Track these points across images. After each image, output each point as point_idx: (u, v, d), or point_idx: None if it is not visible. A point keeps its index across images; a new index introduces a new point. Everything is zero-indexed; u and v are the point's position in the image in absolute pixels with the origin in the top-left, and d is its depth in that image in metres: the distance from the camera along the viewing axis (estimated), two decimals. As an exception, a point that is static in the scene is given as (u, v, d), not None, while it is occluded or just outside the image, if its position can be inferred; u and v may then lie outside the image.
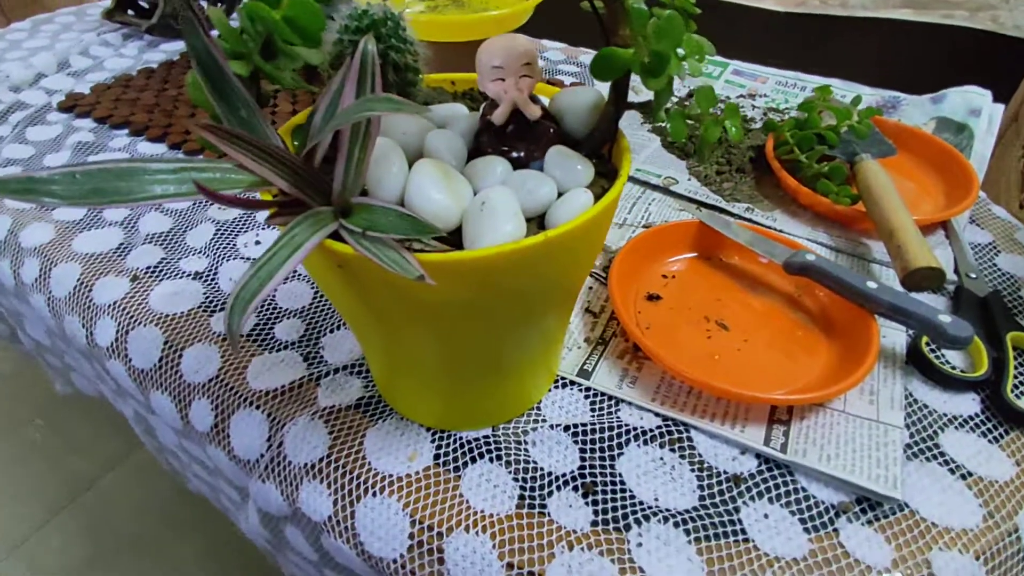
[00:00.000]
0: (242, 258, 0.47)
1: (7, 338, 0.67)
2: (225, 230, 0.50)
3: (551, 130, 0.29)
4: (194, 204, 0.53)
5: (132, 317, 0.42)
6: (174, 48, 0.82)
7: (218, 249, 0.48)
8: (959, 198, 0.51)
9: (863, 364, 0.36)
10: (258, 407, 0.37)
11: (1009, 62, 1.29)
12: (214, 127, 0.21)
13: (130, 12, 0.87)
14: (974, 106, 0.62)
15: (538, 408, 0.37)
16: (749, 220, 0.51)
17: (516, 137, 0.29)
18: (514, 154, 0.29)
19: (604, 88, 0.29)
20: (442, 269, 0.23)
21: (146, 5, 0.87)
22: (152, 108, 0.66)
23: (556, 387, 0.38)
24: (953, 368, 0.39)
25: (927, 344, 0.40)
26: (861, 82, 1.00)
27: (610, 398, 0.37)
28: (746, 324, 0.42)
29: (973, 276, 0.45)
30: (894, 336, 0.41)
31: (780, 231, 0.50)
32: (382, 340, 0.31)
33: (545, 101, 0.32)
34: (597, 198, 0.27)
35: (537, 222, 0.27)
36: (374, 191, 0.26)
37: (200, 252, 0.48)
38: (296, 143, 0.30)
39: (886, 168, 0.51)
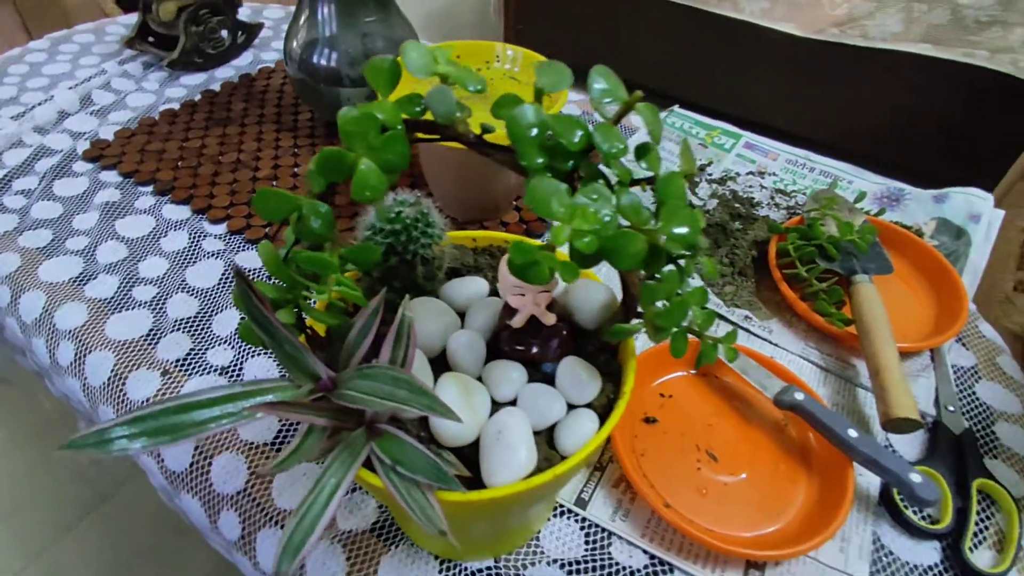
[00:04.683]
0: (268, 353, 0.50)
1: (31, 370, 0.70)
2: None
3: (563, 332, 0.32)
4: (219, 285, 0.55)
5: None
6: (195, 83, 0.83)
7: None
8: (949, 322, 0.53)
9: (837, 516, 0.39)
10: (282, 526, 0.40)
11: (1025, 109, 1.29)
12: (271, 406, 0.23)
13: (150, 39, 0.87)
14: (975, 211, 0.63)
15: (538, 539, 0.40)
16: (746, 330, 0.54)
17: (532, 336, 0.31)
18: (529, 352, 0.31)
19: (617, 283, 0.31)
20: (461, 506, 0.26)
21: (164, 32, 0.87)
22: (176, 163, 0.68)
23: (555, 515, 0.41)
24: (920, 517, 0.42)
25: (898, 492, 0.43)
26: (874, 117, 1.03)
27: (603, 531, 0.41)
28: (735, 454, 0.45)
29: (952, 409, 0.48)
30: (871, 476, 0.44)
31: (775, 344, 0.53)
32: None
33: (562, 285, 0.35)
34: (600, 413, 0.29)
35: (546, 435, 0.30)
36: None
37: (226, 342, 0.51)
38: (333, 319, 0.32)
39: (882, 278, 0.54)
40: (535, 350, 0.31)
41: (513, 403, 0.30)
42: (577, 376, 0.30)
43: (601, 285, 0.33)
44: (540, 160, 0.23)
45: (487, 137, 0.25)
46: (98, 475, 0.98)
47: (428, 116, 0.23)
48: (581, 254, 0.21)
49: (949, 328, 0.52)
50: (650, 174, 0.24)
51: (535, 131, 0.22)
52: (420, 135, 0.26)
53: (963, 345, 0.55)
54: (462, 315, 0.34)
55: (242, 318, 0.48)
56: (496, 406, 0.30)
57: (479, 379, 0.31)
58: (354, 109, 0.21)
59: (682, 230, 0.22)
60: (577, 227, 0.20)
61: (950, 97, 1.39)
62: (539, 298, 0.30)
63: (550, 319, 0.31)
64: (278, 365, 0.49)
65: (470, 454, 0.28)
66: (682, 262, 0.25)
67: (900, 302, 0.56)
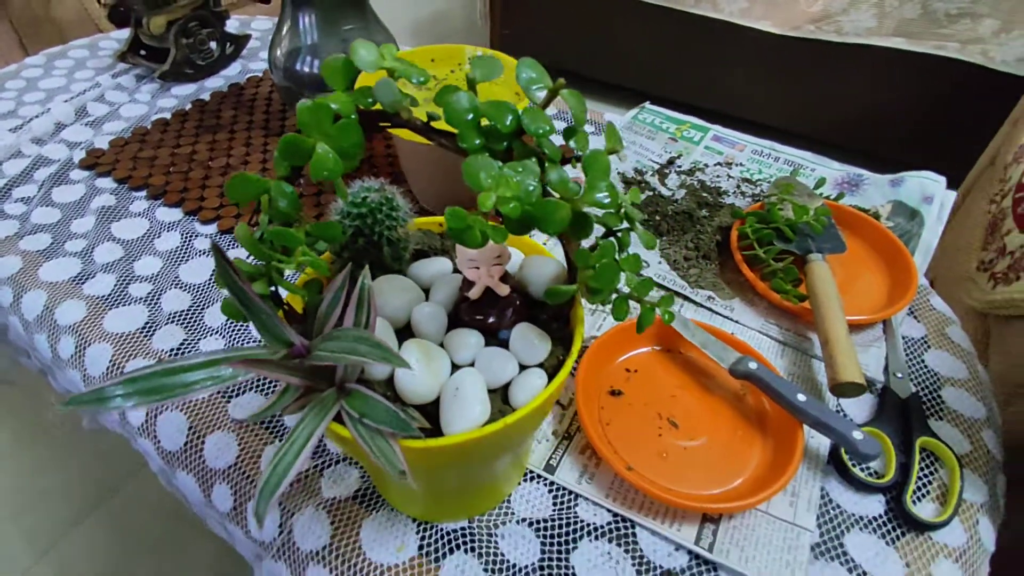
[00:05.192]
0: (258, 341, 0.53)
1: (35, 369, 0.73)
2: (238, 309, 0.56)
3: (517, 302, 0.35)
4: (211, 280, 0.59)
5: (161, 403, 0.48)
6: (185, 93, 0.86)
7: (233, 331, 0.54)
8: (899, 295, 0.56)
9: (786, 472, 0.42)
10: (271, 496, 0.43)
11: (996, 97, 1.33)
12: (249, 361, 0.26)
13: (142, 52, 0.91)
14: (928, 192, 0.67)
15: (508, 501, 0.43)
16: (709, 309, 0.57)
17: (488, 306, 0.35)
18: (486, 321, 0.34)
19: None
20: (421, 453, 0.29)
21: (155, 45, 0.90)
22: (168, 168, 0.71)
23: (525, 480, 0.44)
24: (867, 472, 0.45)
25: (845, 451, 0.46)
26: (851, 110, 1.07)
27: (570, 493, 0.44)
28: (694, 422, 0.48)
29: (900, 376, 0.51)
30: (821, 439, 0.47)
31: (736, 321, 0.56)
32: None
33: (519, 258, 0.38)
34: (550, 373, 0.33)
35: (501, 393, 0.33)
36: (369, 369, 0.31)
37: (217, 332, 0.54)
38: (308, 296, 0.36)
39: (839, 257, 0.57)
40: (491, 319, 0.34)
41: (471, 365, 0.33)
42: (529, 340, 0.33)
43: (552, 260, 0.36)
44: (477, 141, 0.26)
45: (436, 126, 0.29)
46: (104, 470, 1.01)
47: (379, 107, 0.27)
48: (511, 220, 0.24)
49: (901, 299, 0.55)
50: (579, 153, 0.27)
51: (471, 115, 0.25)
52: (381, 125, 0.29)
53: (915, 318, 0.58)
54: (428, 292, 0.37)
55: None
56: (456, 369, 0.33)
57: (441, 345, 0.34)
58: (310, 101, 0.24)
59: (602, 197, 0.25)
60: (501, 194, 0.23)
61: (923, 89, 1.43)
62: (492, 271, 0.33)
63: (503, 290, 0.34)
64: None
65: (432, 411, 0.31)
66: (619, 234, 0.28)
67: (856, 279, 0.60)
